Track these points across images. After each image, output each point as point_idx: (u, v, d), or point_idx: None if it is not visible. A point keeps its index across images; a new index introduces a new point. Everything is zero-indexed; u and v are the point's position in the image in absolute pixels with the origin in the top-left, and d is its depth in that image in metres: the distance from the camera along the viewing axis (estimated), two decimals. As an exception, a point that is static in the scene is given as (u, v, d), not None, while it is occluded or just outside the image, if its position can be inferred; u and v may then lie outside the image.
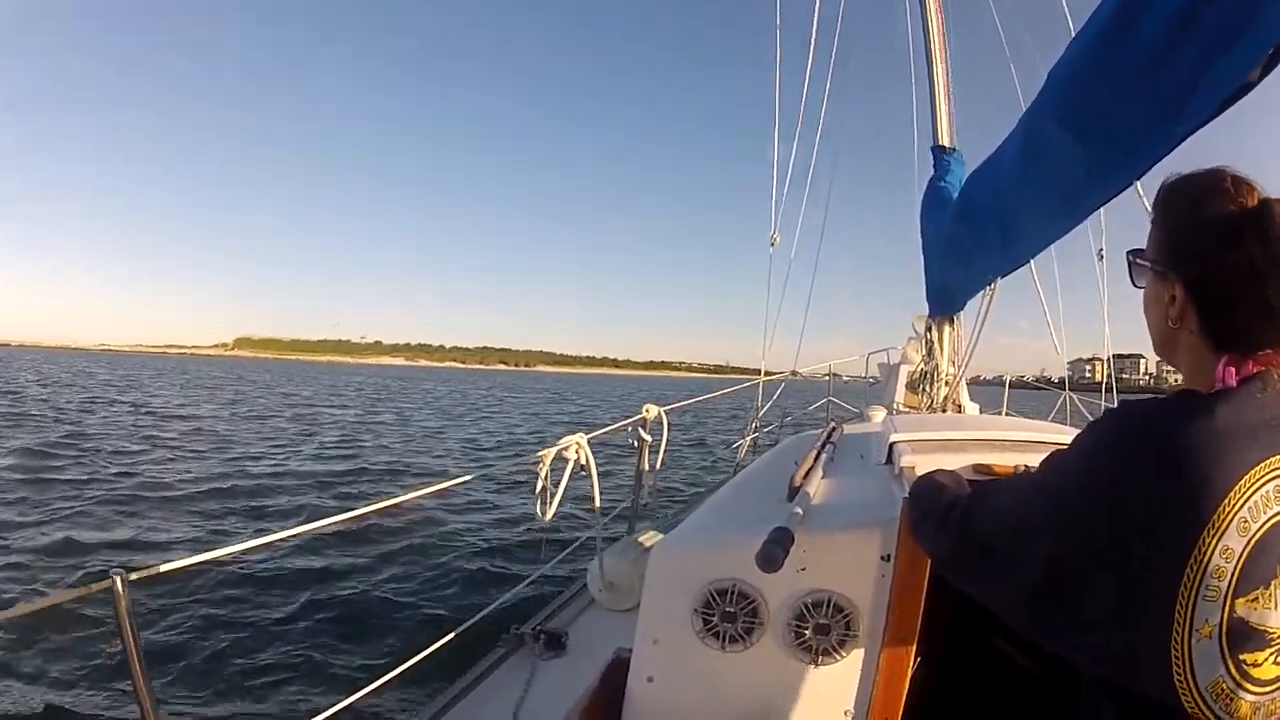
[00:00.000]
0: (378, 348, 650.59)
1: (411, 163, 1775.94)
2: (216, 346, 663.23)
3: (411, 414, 32.37)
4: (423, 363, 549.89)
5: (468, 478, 3.28)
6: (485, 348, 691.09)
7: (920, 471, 1.69)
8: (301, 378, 75.50)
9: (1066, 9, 4.99)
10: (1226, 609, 0.88)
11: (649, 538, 3.61)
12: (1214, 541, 0.86)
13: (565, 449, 3.14)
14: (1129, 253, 1.12)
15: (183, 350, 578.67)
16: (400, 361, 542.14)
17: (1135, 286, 1.12)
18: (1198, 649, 0.88)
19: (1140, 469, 0.91)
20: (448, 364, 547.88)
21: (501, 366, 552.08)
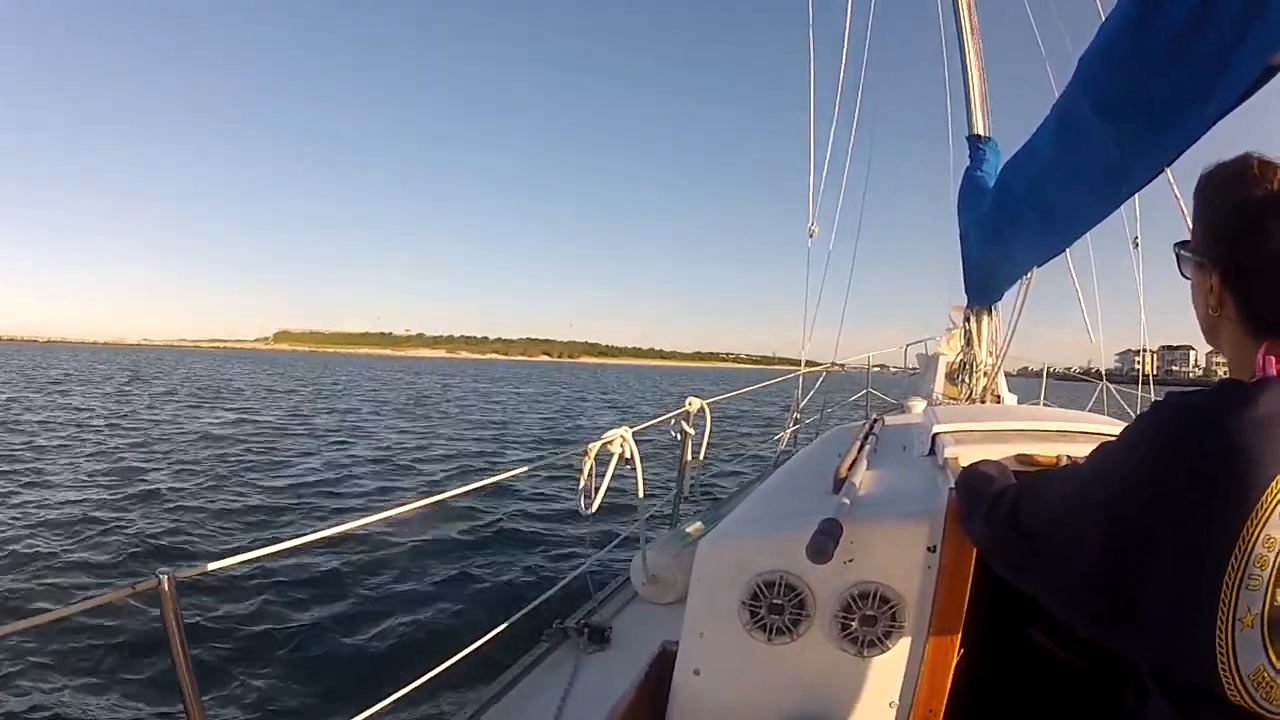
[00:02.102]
0: (419, 340, 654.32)
1: (452, 157, 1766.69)
2: (257, 340, 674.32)
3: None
4: (464, 355, 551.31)
5: (513, 473, 3.31)
6: (528, 339, 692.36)
7: (964, 463, 1.69)
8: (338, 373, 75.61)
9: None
10: (1268, 598, 0.88)
11: (692, 530, 3.61)
12: (1258, 530, 0.86)
13: (610, 442, 3.13)
14: (1175, 245, 1.12)
15: (221, 344, 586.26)
16: (441, 354, 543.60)
17: (1184, 277, 1.12)
18: (1240, 638, 0.88)
19: (1183, 460, 0.92)
20: (490, 356, 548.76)
21: (544, 358, 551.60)
